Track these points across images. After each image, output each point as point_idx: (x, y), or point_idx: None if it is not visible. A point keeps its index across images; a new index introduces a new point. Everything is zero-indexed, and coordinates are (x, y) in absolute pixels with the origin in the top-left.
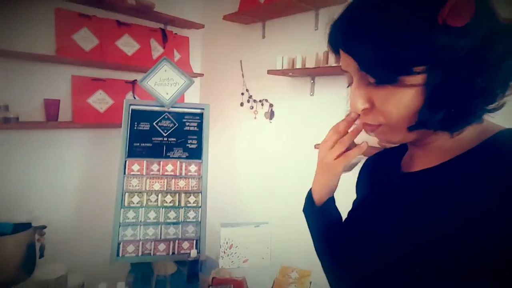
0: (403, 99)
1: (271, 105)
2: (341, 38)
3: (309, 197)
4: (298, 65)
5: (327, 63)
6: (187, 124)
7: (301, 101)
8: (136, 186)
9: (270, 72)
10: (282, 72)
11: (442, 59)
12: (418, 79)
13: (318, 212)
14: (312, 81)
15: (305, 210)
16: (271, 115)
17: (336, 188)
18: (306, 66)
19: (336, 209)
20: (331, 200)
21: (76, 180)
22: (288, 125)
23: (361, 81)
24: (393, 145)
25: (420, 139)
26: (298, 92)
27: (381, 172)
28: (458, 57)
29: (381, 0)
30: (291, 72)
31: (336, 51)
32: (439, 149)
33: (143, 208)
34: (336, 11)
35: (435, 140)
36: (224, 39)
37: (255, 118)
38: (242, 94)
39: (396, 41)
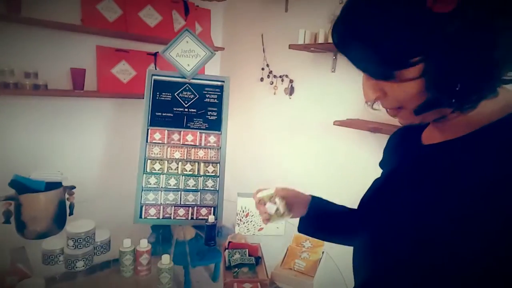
0: (409, 87)
1: (291, 81)
2: (336, 39)
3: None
4: (321, 40)
5: None
6: (207, 96)
7: (322, 78)
8: (157, 153)
9: (291, 46)
10: (304, 47)
11: (435, 48)
12: (416, 70)
13: (308, 219)
14: (334, 58)
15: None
16: (291, 91)
17: (291, 213)
18: (329, 41)
19: (326, 204)
20: (311, 207)
21: (101, 146)
22: (307, 102)
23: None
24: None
25: (441, 117)
26: (319, 68)
27: (403, 146)
28: (451, 41)
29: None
30: (313, 47)
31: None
32: (459, 123)
33: (164, 175)
34: None
35: (455, 117)
36: (246, 13)
37: (274, 93)
38: (262, 69)
39: (385, 37)
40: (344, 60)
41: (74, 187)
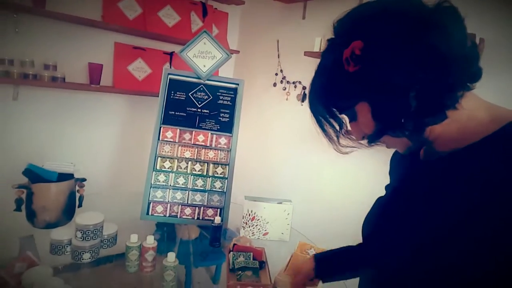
0: (364, 122)
1: (304, 88)
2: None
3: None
4: None
5: None
6: (220, 97)
7: None
8: (168, 152)
9: (306, 53)
10: (319, 55)
11: (364, 95)
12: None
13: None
14: None
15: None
16: (303, 97)
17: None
18: None
19: (332, 255)
20: (318, 263)
21: (113, 141)
22: None
23: None
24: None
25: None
26: None
27: (402, 164)
28: (371, 89)
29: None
30: None
31: None
32: (448, 138)
33: (173, 173)
34: None
35: (438, 134)
36: (262, 18)
37: (286, 99)
38: (276, 74)
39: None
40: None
41: (85, 180)
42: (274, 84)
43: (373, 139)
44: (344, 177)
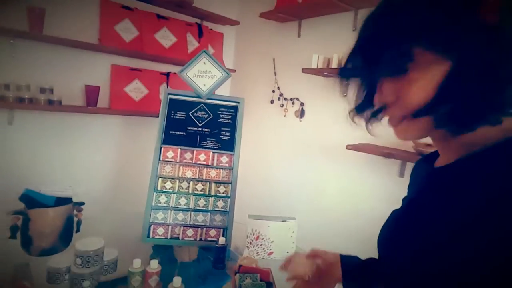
0: (419, 86)
1: (302, 104)
2: (361, 39)
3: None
4: (334, 65)
5: None
6: (221, 116)
7: (333, 102)
8: (169, 172)
9: (304, 70)
10: (317, 71)
11: (454, 49)
12: (427, 69)
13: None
14: (346, 82)
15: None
16: (301, 113)
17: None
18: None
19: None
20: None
21: (112, 163)
22: (318, 125)
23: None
24: (424, 150)
25: (440, 138)
26: (331, 92)
27: (418, 175)
28: (476, 50)
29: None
30: (327, 71)
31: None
32: (461, 143)
33: (175, 194)
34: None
35: (451, 138)
36: (258, 36)
37: (284, 116)
38: (273, 91)
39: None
40: (356, 85)
41: (83, 204)
42: (272, 101)
43: (421, 112)
44: (347, 192)
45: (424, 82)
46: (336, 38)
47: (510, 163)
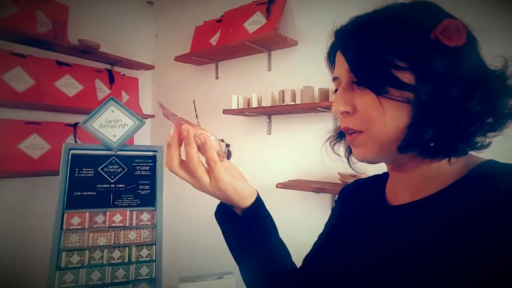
0: (389, 109)
1: (227, 145)
2: (340, 37)
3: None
4: (254, 104)
5: (283, 101)
6: (137, 168)
7: (258, 140)
8: (76, 242)
9: (226, 111)
10: (239, 111)
11: (431, 74)
12: (406, 94)
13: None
14: (268, 120)
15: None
16: (228, 155)
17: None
18: (263, 105)
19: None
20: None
21: (3, 238)
22: (246, 165)
23: (349, 85)
24: (364, 175)
25: (396, 164)
26: (255, 131)
27: (363, 202)
28: (448, 75)
29: (383, 11)
30: (248, 111)
31: (331, 61)
32: (422, 179)
33: (85, 269)
34: (289, 51)
35: (412, 167)
36: (176, 80)
37: None
38: None
39: (389, 45)
40: (279, 123)
41: None
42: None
43: (406, 147)
44: (284, 231)
45: (399, 107)
46: (253, 78)
47: (482, 197)
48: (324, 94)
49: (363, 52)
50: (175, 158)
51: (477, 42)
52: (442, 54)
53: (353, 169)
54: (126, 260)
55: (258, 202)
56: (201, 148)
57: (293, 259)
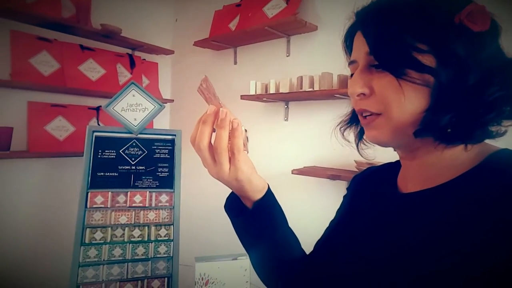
0: (408, 92)
1: (244, 131)
2: (361, 18)
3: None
4: (272, 90)
5: (301, 88)
6: (157, 151)
7: (275, 127)
8: (99, 220)
9: (243, 97)
10: (256, 97)
11: (453, 58)
12: (426, 77)
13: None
14: (286, 106)
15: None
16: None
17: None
18: (280, 91)
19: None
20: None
21: (31, 215)
22: (263, 151)
23: (366, 68)
24: (375, 163)
25: (408, 149)
26: (272, 117)
27: (375, 190)
28: (469, 60)
29: None
30: (265, 97)
31: (348, 44)
32: (434, 167)
33: (107, 245)
34: (308, 37)
35: (425, 154)
36: (194, 65)
37: None
38: None
39: (411, 28)
40: (296, 109)
41: None
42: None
43: (423, 131)
44: (297, 219)
45: (418, 91)
46: (271, 64)
47: (497, 186)
48: (343, 81)
49: (384, 33)
50: (206, 135)
51: (499, 29)
52: (465, 38)
53: (361, 155)
54: (146, 239)
55: (269, 195)
56: (230, 134)
57: (307, 244)
